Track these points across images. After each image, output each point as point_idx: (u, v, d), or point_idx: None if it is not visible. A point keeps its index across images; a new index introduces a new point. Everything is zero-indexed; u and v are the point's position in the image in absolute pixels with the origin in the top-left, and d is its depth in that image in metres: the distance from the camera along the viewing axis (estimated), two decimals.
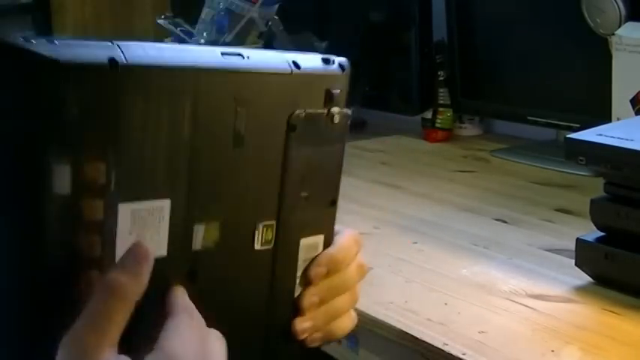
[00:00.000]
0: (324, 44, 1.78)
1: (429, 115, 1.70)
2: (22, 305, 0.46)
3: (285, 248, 0.58)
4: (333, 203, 0.62)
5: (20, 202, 0.45)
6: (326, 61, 0.58)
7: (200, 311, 0.50)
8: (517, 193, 1.30)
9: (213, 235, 0.53)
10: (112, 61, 0.45)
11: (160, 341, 0.46)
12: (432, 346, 0.80)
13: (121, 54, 0.45)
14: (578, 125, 1.29)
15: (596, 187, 0.92)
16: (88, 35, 2.20)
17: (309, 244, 0.60)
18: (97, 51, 0.45)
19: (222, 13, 1.72)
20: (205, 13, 1.75)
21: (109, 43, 0.46)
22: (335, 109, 0.58)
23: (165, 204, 0.49)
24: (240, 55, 0.52)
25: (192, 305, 0.49)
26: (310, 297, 0.59)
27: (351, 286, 0.63)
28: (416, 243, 1.08)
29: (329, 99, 0.58)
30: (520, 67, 1.57)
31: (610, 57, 1.26)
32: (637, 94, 1.22)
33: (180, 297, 0.49)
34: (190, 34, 1.77)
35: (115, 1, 2.25)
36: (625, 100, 1.23)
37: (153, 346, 0.45)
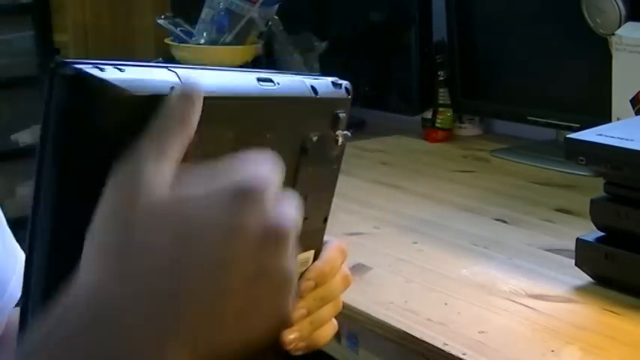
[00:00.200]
0: (324, 44, 1.78)
1: (429, 115, 1.70)
2: None
3: None
4: (325, 220, 0.63)
5: None
6: (335, 85, 0.59)
7: None
8: (517, 193, 1.30)
9: None
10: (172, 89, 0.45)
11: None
12: (432, 346, 0.80)
13: (179, 81, 0.46)
14: (578, 125, 1.29)
15: (596, 187, 0.92)
16: (91, 36, 2.21)
17: (302, 260, 0.61)
18: (159, 79, 0.45)
19: (222, 13, 1.72)
20: (205, 13, 1.75)
21: (167, 70, 0.46)
22: (339, 132, 0.59)
23: None
24: (271, 81, 0.53)
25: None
26: (299, 310, 0.60)
27: (336, 297, 0.63)
28: (416, 243, 1.08)
29: (336, 122, 0.59)
30: (520, 67, 1.57)
31: (610, 57, 1.26)
32: (637, 94, 1.22)
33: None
34: (190, 34, 1.77)
35: (115, 1, 2.25)
36: (625, 100, 1.23)
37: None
